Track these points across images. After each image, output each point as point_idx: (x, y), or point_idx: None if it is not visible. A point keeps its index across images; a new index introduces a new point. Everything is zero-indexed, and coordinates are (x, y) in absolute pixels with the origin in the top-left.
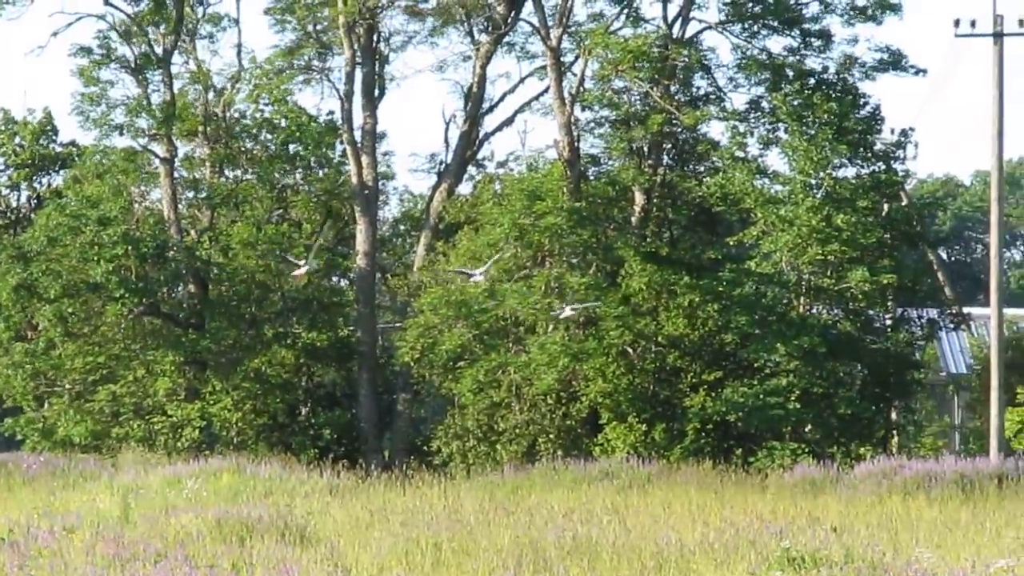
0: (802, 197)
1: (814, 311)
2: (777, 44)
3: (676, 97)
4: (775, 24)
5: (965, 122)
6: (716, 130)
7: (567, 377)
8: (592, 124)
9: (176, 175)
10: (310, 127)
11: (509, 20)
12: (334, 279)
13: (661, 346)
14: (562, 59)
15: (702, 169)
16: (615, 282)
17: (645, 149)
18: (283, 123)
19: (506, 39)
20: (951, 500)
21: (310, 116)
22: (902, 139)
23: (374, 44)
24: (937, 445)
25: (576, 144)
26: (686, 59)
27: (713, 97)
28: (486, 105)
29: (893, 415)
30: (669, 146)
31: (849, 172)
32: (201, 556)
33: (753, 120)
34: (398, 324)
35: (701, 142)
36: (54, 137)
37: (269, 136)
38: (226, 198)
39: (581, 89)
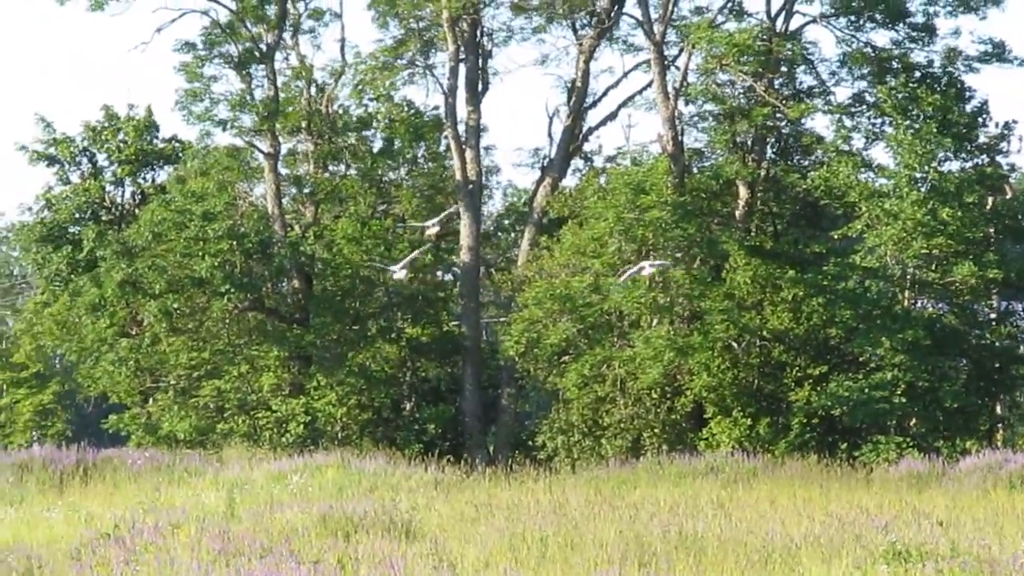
0: (907, 191)
1: (919, 305)
2: (881, 37)
3: (779, 91)
4: (879, 17)
5: None
6: (820, 124)
7: (672, 371)
8: (696, 118)
9: (280, 171)
10: (413, 122)
11: (612, 14)
12: (438, 274)
13: (766, 340)
14: (665, 53)
15: (806, 163)
16: (719, 276)
17: (749, 143)
18: (387, 119)
19: (609, 33)
20: None
21: (418, 111)
22: (1005, 132)
23: (478, 39)
24: None
25: (680, 138)
26: (789, 53)
27: (816, 91)
28: (590, 99)
29: (998, 409)
30: (773, 140)
31: (953, 166)
32: (306, 551)
33: (857, 114)
34: (502, 318)
35: (805, 136)
36: (157, 133)
37: (373, 131)
38: (330, 193)
39: (685, 83)
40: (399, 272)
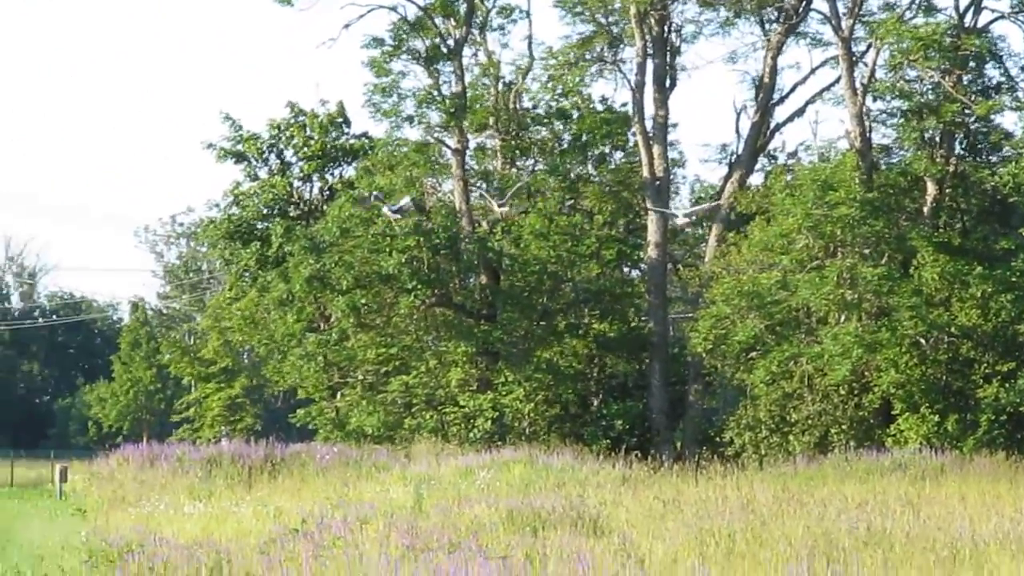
0: None
1: None
2: None
3: (968, 87)
4: None
5: None
6: (1008, 120)
7: (860, 368)
8: (884, 114)
9: (467, 166)
10: (601, 118)
11: (800, 10)
12: (625, 269)
13: (954, 337)
14: (853, 49)
15: (995, 159)
16: (907, 273)
17: (937, 139)
18: (575, 114)
19: (797, 28)
20: None
21: (608, 107)
22: None
23: (665, 35)
24: None
25: (868, 134)
26: (977, 48)
27: (1005, 87)
28: (777, 95)
29: None
30: (961, 136)
31: None
32: (494, 546)
33: None
34: (689, 315)
35: (993, 132)
36: (345, 129)
37: (560, 127)
38: (518, 189)
39: (872, 79)
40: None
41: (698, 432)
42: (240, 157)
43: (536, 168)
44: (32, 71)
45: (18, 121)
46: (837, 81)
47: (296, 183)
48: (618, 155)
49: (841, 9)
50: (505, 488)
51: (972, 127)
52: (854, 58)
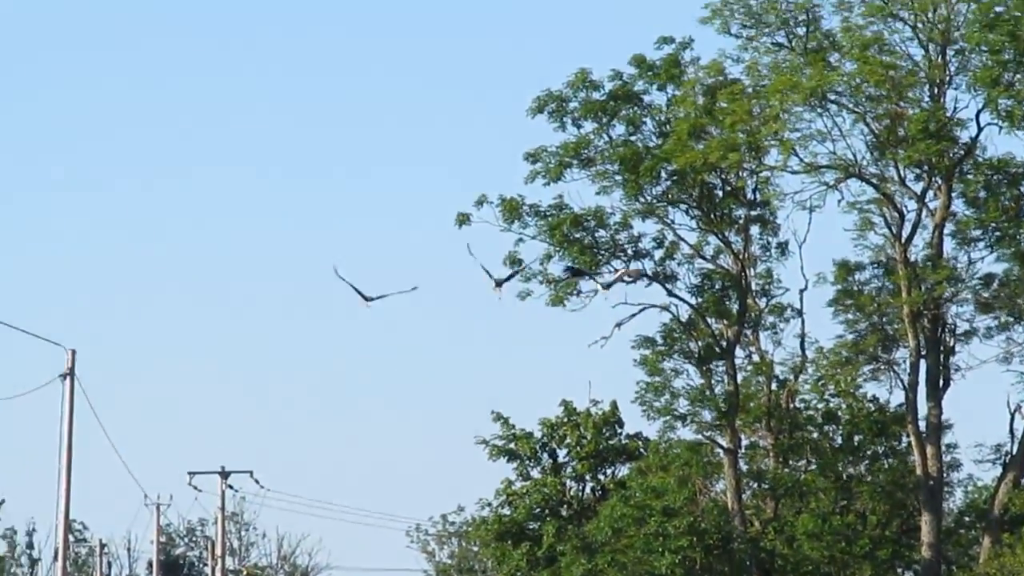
0: None
1: None
2: None
3: None
4: None
5: None
6: None
7: None
8: None
9: (739, 465)
10: (875, 418)
11: None
12: (899, 570)
13: None
14: None
15: None
16: None
17: None
18: (848, 414)
19: None
20: None
21: (881, 406)
22: None
23: (939, 335)
24: None
25: None
26: None
27: None
28: None
29: None
30: None
31: None
32: None
33: None
34: None
35: None
36: (618, 429)
37: (834, 427)
38: (790, 489)
39: None
40: None
41: None
42: (512, 455)
43: (809, 468)
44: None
45: (302, 425)
46: None
47: (568, 482)
48: (891, 456)
49: None
50: None
51: None
52: None
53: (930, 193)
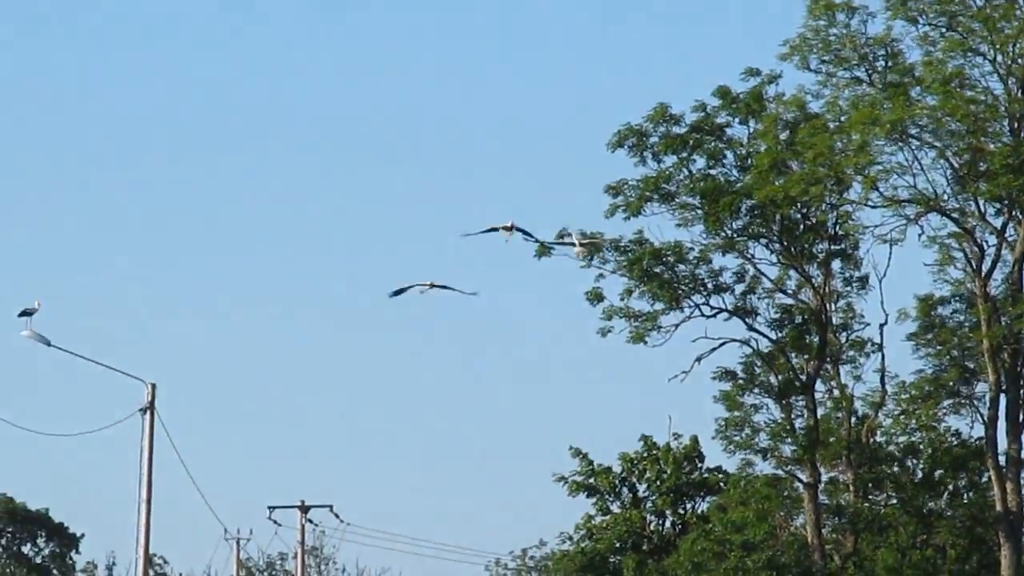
0: None
1: None
2: None
3: None
4: None
5: None
6: None
7: None
8: None
9: (819, 500)
10: (955, 453)
11: None
12: None
13: None
14: None
15: None
16: None
17: None
18: (929, 449)
19: None
20: None
21: (963, 441)
22: None
23: (1019, 369)
24: None
25: None
26: None
27: None
28: None
29: None
30: None
31: None
32: None
33: None
34: None
35: None
36: (698, 463)
37: (914, 461)
38: (870, 523)
39: None
40: None
41: None
42: (592, 490)
43: (889, 502)
44: (389, 418)
45: (382, 459)
46: None
47: (649, 517)
48: (971, 490)
49: None
50: None
51: None
52: None
53: (1010, 227)
